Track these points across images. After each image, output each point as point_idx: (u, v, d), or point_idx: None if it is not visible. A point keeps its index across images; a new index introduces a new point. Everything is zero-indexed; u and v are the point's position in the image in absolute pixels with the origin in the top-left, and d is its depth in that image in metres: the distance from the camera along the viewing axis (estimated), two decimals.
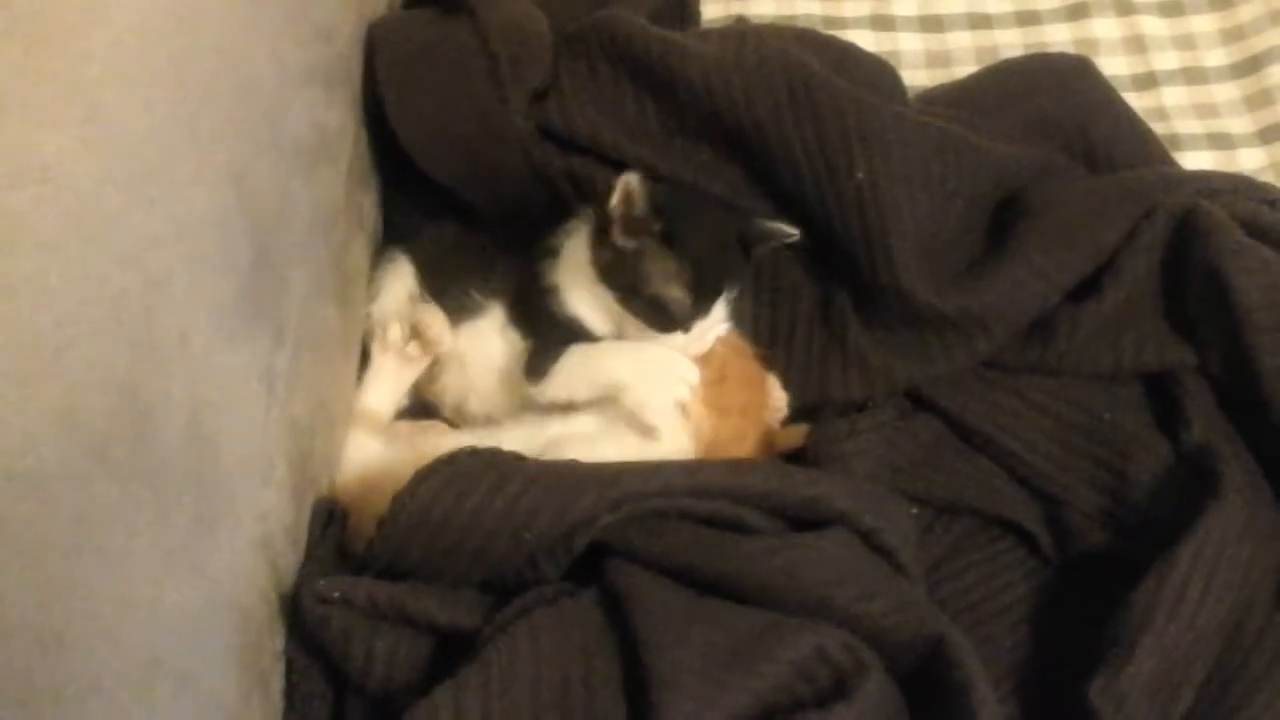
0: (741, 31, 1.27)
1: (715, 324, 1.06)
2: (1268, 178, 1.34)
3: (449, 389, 1.15)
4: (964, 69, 1.45)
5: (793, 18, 1.55)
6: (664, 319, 1.04)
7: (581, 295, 1.07)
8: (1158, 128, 1.36)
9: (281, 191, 0.92)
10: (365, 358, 1.15)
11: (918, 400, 1.14)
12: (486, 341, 1.12)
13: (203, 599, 0.77)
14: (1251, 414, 1.08)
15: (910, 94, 1.31)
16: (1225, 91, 1.49)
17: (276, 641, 0.90)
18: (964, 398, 1.13)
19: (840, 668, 0.86)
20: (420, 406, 1.19)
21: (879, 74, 1.25)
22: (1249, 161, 1.42)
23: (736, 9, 1.53)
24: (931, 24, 1.58)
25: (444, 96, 1.13)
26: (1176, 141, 1.42)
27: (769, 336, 1.14)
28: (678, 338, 1.05)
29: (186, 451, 0.74)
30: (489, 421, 1.13)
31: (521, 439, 1.01)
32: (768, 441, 1.09)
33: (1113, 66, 1.49)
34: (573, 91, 1.16)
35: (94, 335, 0.63)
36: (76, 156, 0.62)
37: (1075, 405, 1.11)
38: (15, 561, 0.57)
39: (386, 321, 1.13)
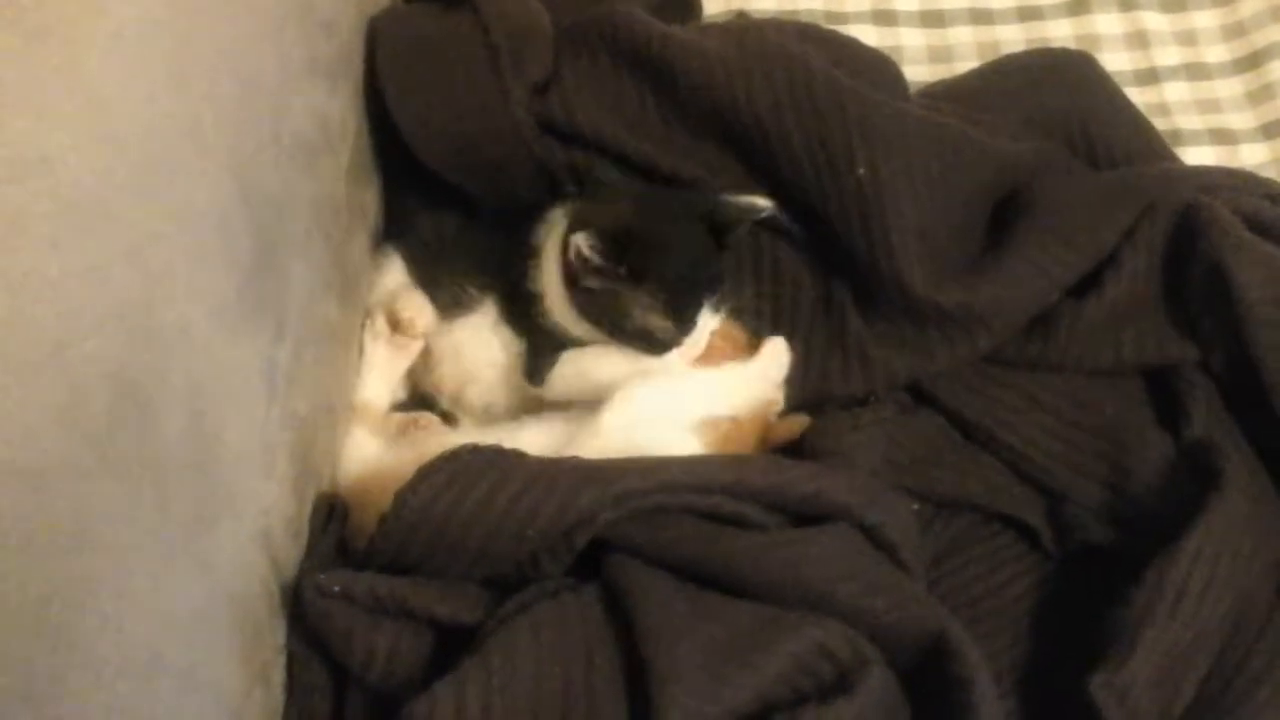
0: (743, 26, 1.28)
1: (706, 328, 1.08)
2: (1270, 173, 1.34)
3: (446, 380, 1.16)
4: (965, 64, 1.45)
5: (794, 12, 1.55)
6: (653, 346, 1.06)
7: (563, 307, 1.08)
8: (1159, 123, 1.36)
9: (283, 185, 0.92)
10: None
11: (919, 395, 1.15)
12: (482, 335, 1.13)
13: (204, 592, 0.77)
14: (1253, 409, 1.08)
15: (912, 89, 1.31)
16: (1227, 87, 1.49)
17: (278, 635, 0.90)
18: (965, 393, 1.13)
19: (841, 662, 0.86)
20: (420, 402, 1.19)
21: (880, 69, 1.25)
22: (1251, 157, 1.42)
23: (738, 4, 1.52)
24: (933, 19, 1.58)
25: (445, 90, 1.13)
26: (1178, 137, 1.42)
27: (770, 331, 1.14)
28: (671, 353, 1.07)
29: (187, 445, 0.74)
30: (488, 412, 1.14)
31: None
32: (765, 434, 1.09)
33: (1115, 62, 1.49)
34: (574, 85, 1.16)
35: (95, 329, 0.63)
36: (77, 150, 0.62)
37: (1076, 400, 1.11)
38: (16, 555, 0.57)
39: (374, 312, 1.14)
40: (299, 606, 0.89)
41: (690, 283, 1.05)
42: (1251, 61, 1.50)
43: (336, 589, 0.88)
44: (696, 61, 1.12)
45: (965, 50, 1.54)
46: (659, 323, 1.05)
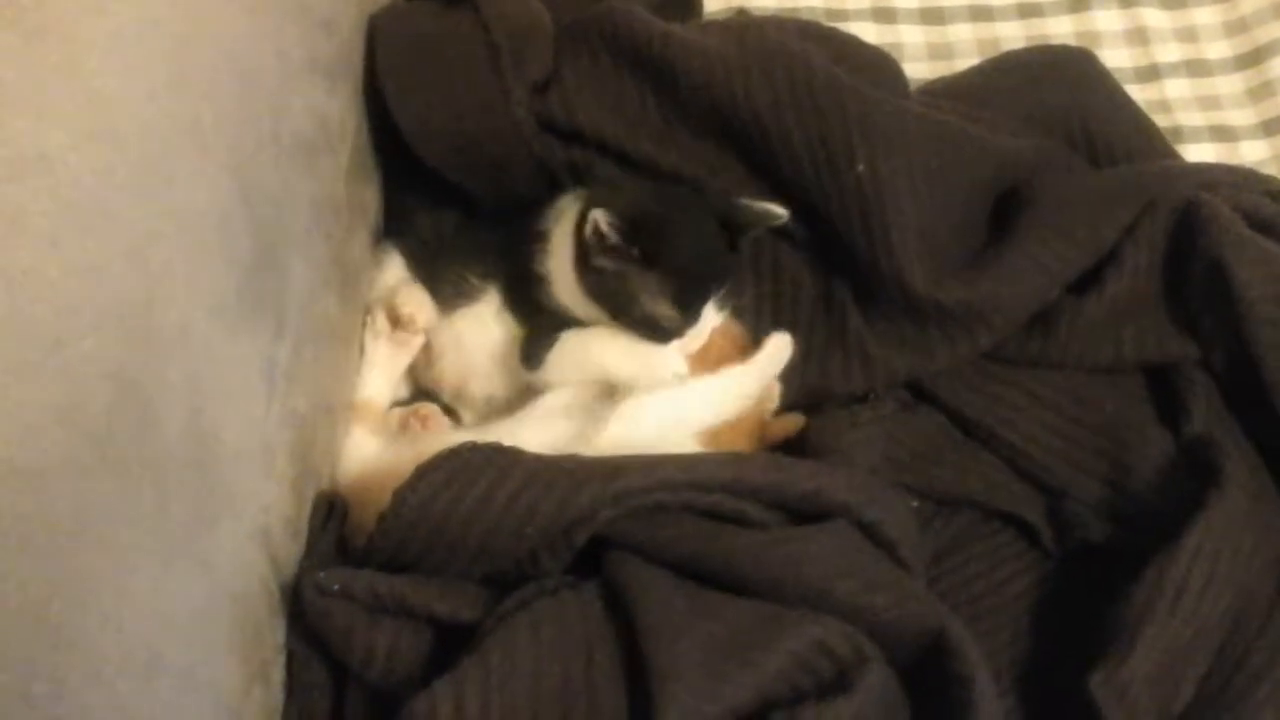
0: (743, 24, 1.27)
1: (708, 322, 1.08)
2: (1270, 170, 1.34)
3: (447, 373, 1.16)
4: (966, 61, 1.45)
5: (795, 10, 1.54)
6: (657, 333, 1.06)
7: (571, 287, 1.08)
8: (1160, 120, 1.36)
9: (283, 184, 0.92)
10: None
11: (919, 393, 1.14)
12: (484, 325, 1.13)
13: (203, 591, 0.77)
14: (1253, 406, 1.08)
15: (912, 86, 1.30)
16: (1228, 84, 1.49)
17: (277, 634, 0.90)
18: (965, 390, 1.13)
19: (841, 660, 0.86)
20: (421, 396, 1.19)
21: (880, 66, 1.24)
22: (1251, 154, 1.42)
23: (738, 1, 1.52)
24: (933, 16, 1.58)
25: (445, 89, 1.13)
26: (1179, 134, 1.42)
27: (770, 329, 1.14)
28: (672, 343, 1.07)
29: (187, 444, 0.74)
30: (489, 404, 1.14)
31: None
32: (762, 431, 1.09)
33: (1115, 59, 1.48)
34: (574, 84, 1.16)
35: (94, 327, 0.63)
36: (77, 148, 0.62)
37: (1076, 398, 1.11)
38: (15, 553, 0.57)
39: (374, 310, 1.14)
40: (298, 605, 0.89)
41: (700, 274, 1.06)
42: (1253, 58, 1.50)
43: (336, 587, 0.88)
44: (697, 60, 1.12)
45: (965, 47, 1.54)
46: (665, 310, 1.05)
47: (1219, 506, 0.98)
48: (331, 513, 0.98)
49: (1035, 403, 1.12)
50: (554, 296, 1.09)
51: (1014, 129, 1.24)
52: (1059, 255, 1.12)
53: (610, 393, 1.05)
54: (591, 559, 0.92)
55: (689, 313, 1.06)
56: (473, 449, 0.91)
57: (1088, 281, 1.13)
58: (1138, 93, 1.39)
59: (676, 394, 1.05)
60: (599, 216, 1.02)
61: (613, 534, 0.91)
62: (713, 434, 1.05)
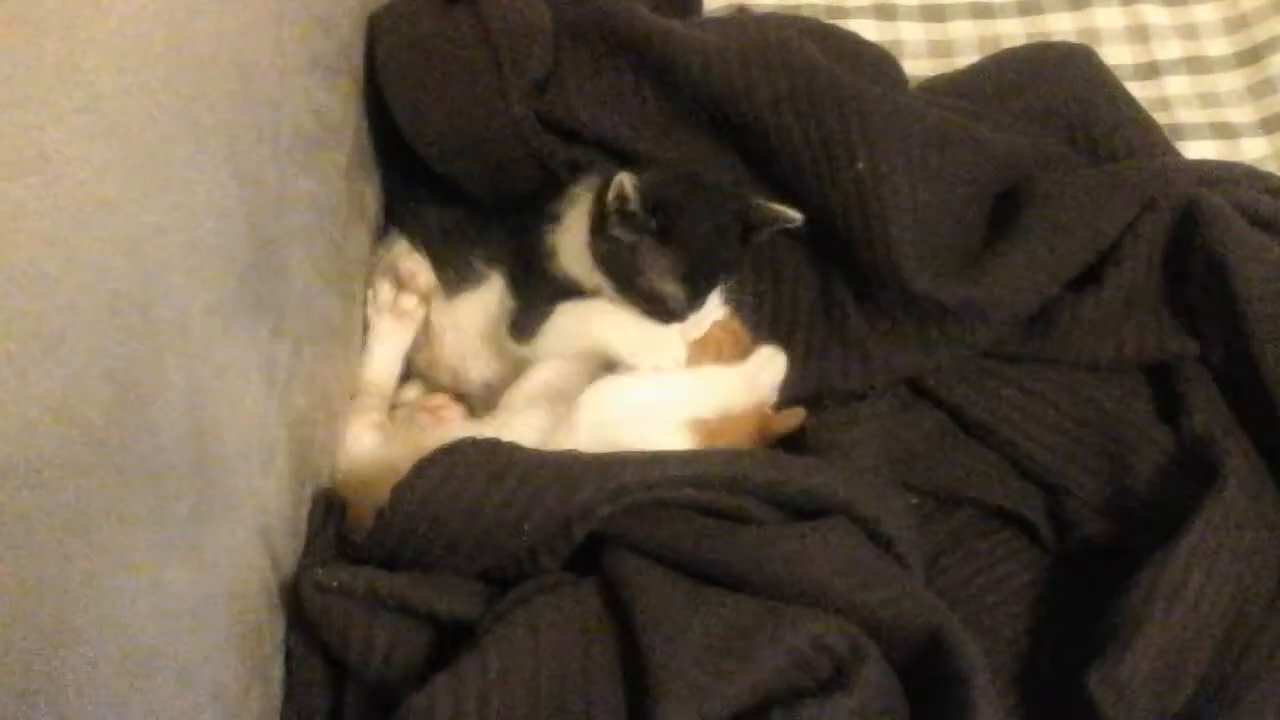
0: (742, 21, 1.28)
1: (710, 312, 1.08)
2: (1270, 167, 1.34)
3: (445, 356, 1.16)
4: (966, 58, 1.45)
5: (795, 7, 1.55)
6: (660, 311, 1.06)
7: (578, 256, 1.08)
8: (1160, 117, 1.36)
9: (281, 181, 0.92)
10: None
11: (918, 390, 1.14)
12: (486, 310, 1.13)
13: (202, 589, 0.77)
14: (1252, 404, 1.08)
15: (912, 83, 1.31)
16: (1228, 81, 1.49)
17: (276, 631, 0.90)
18: (965, 388, 1.13)
19: (839, 657, 0.86)
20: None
21: (880, 63, 1.24)
22: (1251, 151, 1.42)
23: None
24: (934, 13, 1.58)
25: (445, 87, 1.13)
26: (1179, 131, 1.42)
27: (769, 326, 1.14)
28: (674, 324, 1.06)
29: (185, 441, 0.74)
30: (487, 388, 1.15)
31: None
32: (763, 426, 1.09)
33: (1115, 56, 1.48)
34: (574, 82, 1.16)
35: (93, 325, 0.63)
36: (75, 145, 0.62)
37: (1076, 395, 1.11)
38: (13, 551, 0.57)
39: (376, 284, 1.15)
40: (297, 602, 0.89)
41: (711, 260, 1.06)
42: (1253, 55, 1.50)
43: (335, 584, 0.88)
44: (696, 57, 1.12)
45: (966, 45, 1.54)
46: (672, 289, 1.05)
47: (1218, 504, 0.98)
48: (330, 510, 0.98)
49: (1035, 400, 1.12)
50: (561, 266, 1.09)
51: (1014, 126, 1.24)
52: (1059, 252, 1.12)
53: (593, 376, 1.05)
54: (590, 555, 0.92)
55: (695, 295, 1.06)
56: (470, 445, 0.91)
57: (1087, 279, 1.13)
58: (1138, 90, 1.39)
59: (656, 380, 1.04)
60: (625, 180, 1.02)
61: (611, 530, 0.91)
62: (712, 430, 1.05)
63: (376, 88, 1.14)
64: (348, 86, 1.11)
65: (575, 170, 1.15)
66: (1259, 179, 1.23)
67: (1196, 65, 1.50)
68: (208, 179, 0.78)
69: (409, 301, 1.13)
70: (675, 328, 1.07)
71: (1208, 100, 1.47)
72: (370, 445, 1.07)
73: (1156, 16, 1.54)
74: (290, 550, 0.92)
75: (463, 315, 1.14)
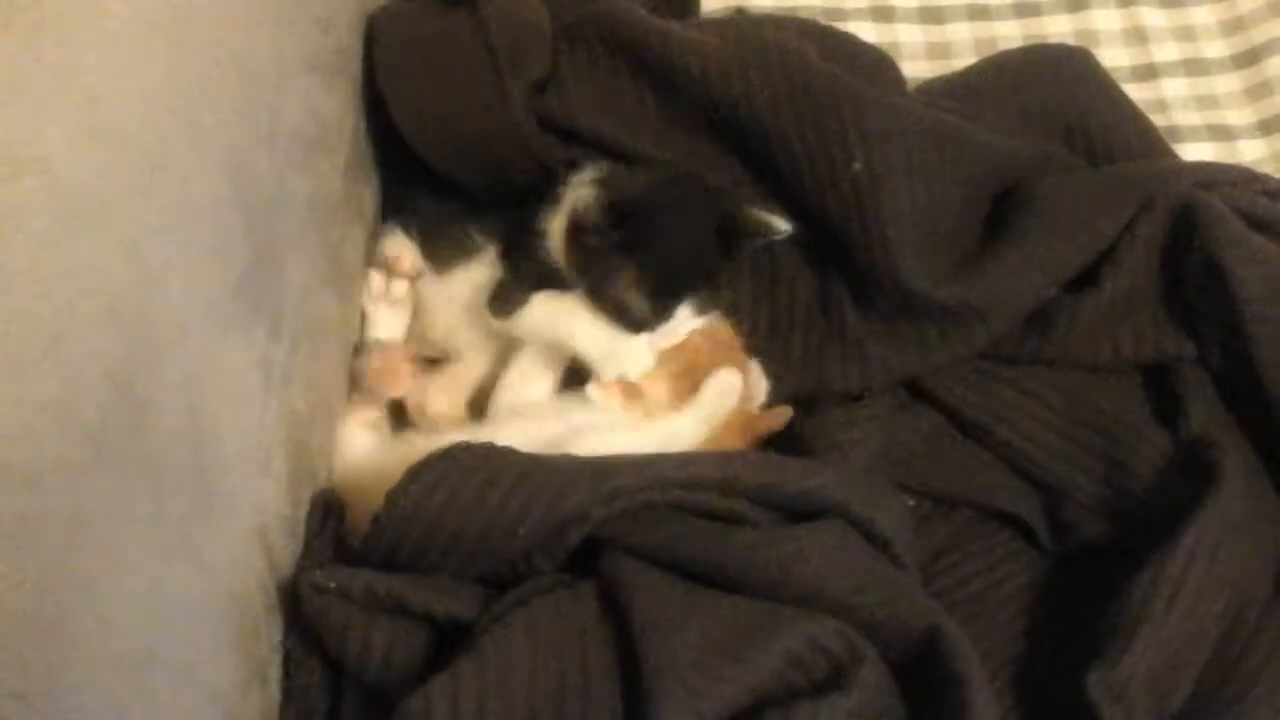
0: (740, 23, 1.28)
1: (681, 324, 1.08)
2: (1268, 169, 1.34)
3: (436, 329, 1.18)
4: (963, 60, 1.44)
5: (793, 8, 1.54)
6: (626, 320, 1.06)
7: (561, 250, 1.09)
8: (1158, 119, 1.36)
9: (279, 182, 0.92)
10: None
11: (916, 391, 1.14)
12: (479, 284, 1.14)
13: (200, 590, 0.77)
14: (1250, 405, 1.08)
15: (909, 85, 1.31)
16: (1225, 83, 1.49)
17: (274, 632, 0.90)
18: (962, 389, 1.13)
19: (835, 658, 0.86)
20: None
21: (878, 65, 1.25)
22: (1249, 153, 1.42)
23: (736, 0, 1.52)
24: (931, 15, 1.58)
25: (444, 89, 1.13)
26: (1176, 133, 1.42)
27: (767, 327, 1.14)
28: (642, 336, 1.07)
29: (183, 442, 0.74)
30: (478, 353, 1.16)
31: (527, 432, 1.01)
32: (750, 426, 1.08)
33: (1112, 58, 1.48)
34: (573, 83, 1.16)
35: (90, 326, 0.63)
36: (73, 147, 0.62)
37: (1073, 396, 1.11)
38: (11, 552, 0.57)
39: (370, 275, 1.16)
40: (295, 603, 0.89)
41: (677, 274, 1.06)
42: (1250, 57, 1.50)
43: (333, 586, 0.88)
44: (694, 58, 1.12)
45: (963, 46, 1.54)
46: (636, 300, 1.05)
47: (1216, 506, 0.98)
48: (329, 511, 0.98)
49: (1032, 401, 1.12)
50: (550, 252, 1.10)
51: (1011, 128, 1.24)
52: (1056, 254, 1.12)
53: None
54: (588, 558, 0.92)
55: (660, 309, 1.06)
56: (465, 449, 0.91)
57: (1085, 280, 1.13)
58: (1135, 92, 1.39)
59: (612, 439, 1.01)
60: (588, 196, 1.04)
61: (607, 534, 0.91)
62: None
63: (375, 89, 1.14)
64: (346, 88, 1.11)
65: (574, 171, 1.15)
66: (1256, 181, 1.23)
67: (1194, 67, 1.50)
68: (205, 180, 0.78)
69: (400, 288, 1.15)
70: (644, 337, 1.07)
71: (1205, 102, 1.47)
72: (366, 443, 1.08)
73: (1154, 18, 1.54)
74: (288, 551, 0.92)
75: (456, 292, 1.16)
